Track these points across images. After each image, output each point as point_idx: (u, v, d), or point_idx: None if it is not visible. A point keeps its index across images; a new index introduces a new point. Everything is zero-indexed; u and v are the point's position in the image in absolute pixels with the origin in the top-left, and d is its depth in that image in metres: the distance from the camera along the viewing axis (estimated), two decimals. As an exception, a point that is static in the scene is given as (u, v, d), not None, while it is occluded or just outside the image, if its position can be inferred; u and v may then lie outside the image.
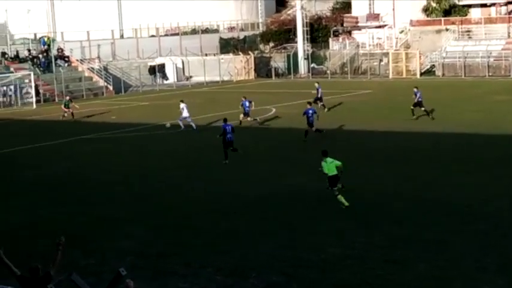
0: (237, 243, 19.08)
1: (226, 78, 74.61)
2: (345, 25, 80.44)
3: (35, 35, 71.06)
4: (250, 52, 78.74)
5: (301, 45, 76.00)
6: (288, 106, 49.49)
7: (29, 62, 65.99)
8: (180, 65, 76.23)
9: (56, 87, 63.08)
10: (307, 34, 76.51)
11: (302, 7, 77.66)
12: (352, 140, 35.48)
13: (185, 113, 40.81)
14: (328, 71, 73.50)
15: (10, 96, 60.02)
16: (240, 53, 78.59)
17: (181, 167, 30.65)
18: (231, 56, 78.14)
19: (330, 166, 22.39)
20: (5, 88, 59.77)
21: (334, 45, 77.70)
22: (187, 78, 75.47)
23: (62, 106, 48.06)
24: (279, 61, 77.32)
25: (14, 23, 73.12)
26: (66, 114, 47.27)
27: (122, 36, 79.65)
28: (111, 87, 67.60)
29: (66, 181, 28.63)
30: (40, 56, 66.71)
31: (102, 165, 31.82)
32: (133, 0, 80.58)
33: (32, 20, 71.75)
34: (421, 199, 23.16)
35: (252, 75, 76.88)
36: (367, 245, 18.44)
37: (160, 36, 79.55)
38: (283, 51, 79.29)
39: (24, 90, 60.68)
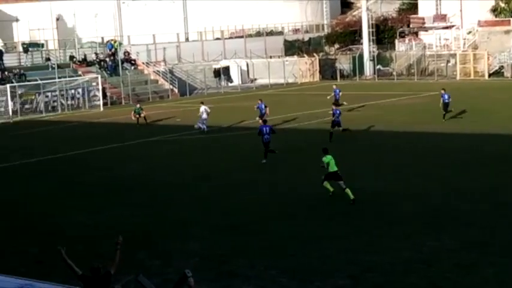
0: (302, 246, 18.92)
1: (290, 80, 74.45)
2: (411, 26, 79.56)
3: (102, 38, 72.00)
4: (315, 54, 78.43)
5: (366, 47, 75.42)
6: (352, 108, 49.06)
7: (97, 65, 66.88)
8: (244, 68, 76.32)
9: (123, 90, 63.78)
10: (372, 35, 75.88)
11: (368, 8, 77.06)
12: (421, 142, 35.01)
13: (204, 116, 41.57)
14: (394, 73, 72.76)
15: (78, 99, 60.88)
16: (305, 55, 78.33)
17: (246, 169, 30.60)
18: (295, 58, 77.94)
19: (331, 163, 23.80)
20: (73, 91, 60.65)
21: (400, 46, 76.87)
22: (252, 81, 75.53)
23: (132, 113, 47.51)
24: (344, 63, 76.87)
25: (82, 27, 74.16)
26: (138, 120, 46.57)
27: (187, 39, 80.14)
28: (176, 90, 68.04)
29: (133, 183, 28.84)
30: (107, 59, 67.57)
31: (168, 167, 31.98)
32: (199, 3, 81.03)
33: (99, 24, 72.70)
34: (490, 201, 22.69)
35: (317, 77, 76.55)
36: (435, 249, 18.11)
37: (225, 38, 79.79)
38: (348, 52, 78.80)
39: (91, 93, 61.50)
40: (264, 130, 31.70)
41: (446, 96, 41.49)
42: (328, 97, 49.03)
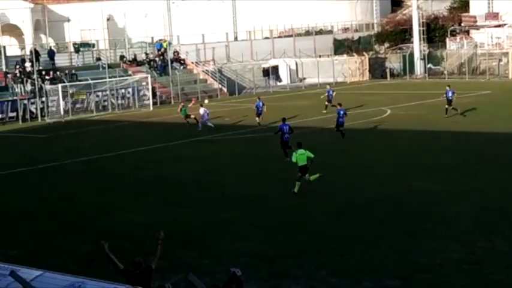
0: (352, 246, 18.82)
1: (340, 79, 74.16)
2: (462, 24, 78.73)
3: (152, 38, 72.54)
4: (364, 53, 78.05)
5: (417, 46, 74.78)
6: (403, 107, 48.72)
7: (146, 65, 67.39)
8: (293, 67, 76.26)
9: (172, 90, 64.18)
10: (423, 34, 75.21)
11: (418, 7, 76.42)
12: (469, 141, 34.62)
13: (205, 117, 43.01)
14: (446, 72, 72.02)
15: (128, 98, 61.41)
16: (354, 54, 77.98)
17: (293, 168, 30.48)
18: (345, 57, 77.63)
19: (300, 157, 25.36)
20: (123, 91, 61.21)
21: (451, 45, 76.11)
22: (301, 80, 75.44)
23: (183, 116, 46.75)
24: (394, 62, 76.34)
25: (132, 27, 74.83)
26: (192, 117, 46.15)
27: (236, 39, 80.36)
28: (225, 89, 68.25)
29: (182, 182, 28.98)
30: (157, 59, 68.06)
31: (217, 167, 32.07)
32: (248, 2, 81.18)
33: (149, 24, 73.28)
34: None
35: (367, 76, 76.14)
36: (487, 250, 17.87)
37: (274, 38, 79.82)
38: (398, 51, 78.25)
39: (141, 93, 61.99)
40: (284, 129, 32.30)
41: (450, 93, 43.12)
42: (322, 96, 50.01)
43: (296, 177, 25.35)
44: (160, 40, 71.01)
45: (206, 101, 50.87)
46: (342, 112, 37.04)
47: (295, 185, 25.16)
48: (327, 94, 48.80)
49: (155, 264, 12.65)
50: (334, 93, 49.33)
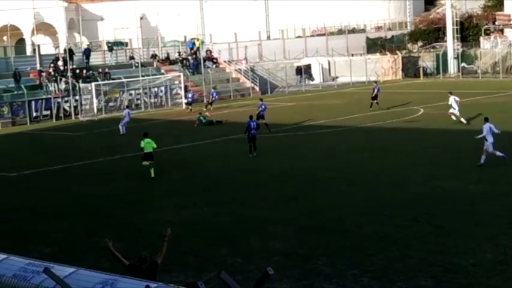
0: (385, 246, 18.73)
1: (372, 78, 73.79)
2: (496, 23, 77.99)
3: (185, 37, 72.79)
4: (397, 52, 77.65)
5: (450, 44, 74.27)
6: (436, 106, 48.40)
7: (179, 63, 67.63)
8: (326, 66, 76.11)
9: (205, 88, 64.34)
10: (457, 33, 74.69)
11: (452, 5, 75.89)
12: (504, 141, 34.26)
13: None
14: (479, 71, 71.43)
15: (161, 97, 61.72)
16: (387, 52, 77.61)
17: (326, 167, 30.47)
18: (377, 56, 77.30)
19: (147, 145, 30.12)
20: (156, 89, 61.51)
21: (485, 44, 75.44)
22: (333, 79, 75.26)
23: (204, 124, 47.07)
24: (427, 61, 75.88)
25: (165, 26, 75.15)
26: (208, 114, 46.75)
27: (268, 38, 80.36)
28: (257, 88, 68.28)
29: (216, 181, 29.03)
30: (189, 57, 68.28)
31: (250, 166, 32.10)
32: (281, 1, 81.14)
33: (182, 23, 73.53)
34: None
35: (400, 75, 75.74)
36: (522, 251, 17.70)
37: (307, 36, 79.70)
38: (431, 50, 77.75)
39: (174, 91, 62.24)
40: (252, 125, 34.13)
41: (376, 89, 48.47)
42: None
43: (141, 162, 30.22)
44: (192, 39, 71.22)
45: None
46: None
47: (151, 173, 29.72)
48: (259, 108, 44.06)
49: (161, 259, 12.91)
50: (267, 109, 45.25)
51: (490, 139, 28.52)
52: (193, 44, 69.73)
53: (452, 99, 41.06)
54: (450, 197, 23.72)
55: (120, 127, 44.91)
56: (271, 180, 28.52)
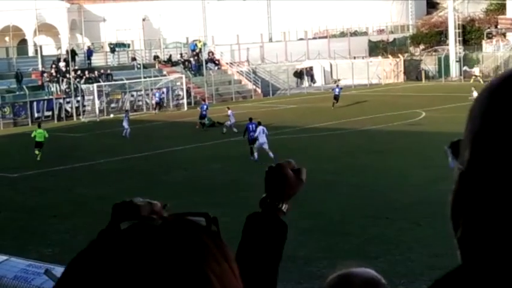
0: (386, 250, 18.68)
1: (374, 81, 73.86)
2: (499, 27, 77.92)
3: (187, 38, 72.79)
4: (399, 55, 77.61)
5: (452, 48, 74.25)
6: (438, 110, 48.37)
7: (181, 65, 67.63)
8: (328, 68, 76.07)
9: (206, 90, 64.33)
10: (459, 36, 74.67)
11: (454, 9, 75.88)
12: None
13: (232, 119, 43.63)
14: (481, 74, 71.37)
15: (163, 98, 61.72)
16: (389, 55, 77.59)
17: (332, 171, 30.43)
18: (380, 58, 77.27)
19: (39, 134, 36.24)
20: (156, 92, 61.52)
21: (487, 47, 75.42)
22: (335, 81, 75.21)
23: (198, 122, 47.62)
24: (429, 64, 75.84)
25: (167, 27, 75.17)
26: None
27: (270, 40, 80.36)
28: (259, 90, 68.28)
29: (217, 183, 28.99)
30: (191, 59, 68.28)
31: (251, 167, 32.04)
32: (283, 3, 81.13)
33: (184, 24, 73.53)
34: None
35: (402, 78, 75.71)
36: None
37: (309, 39, 79.67)
38: (434, 53, 77.73)
39: (175, 93, 62.23)
40: (251, 127, 34.38)
41: (337, 90, 53.81)
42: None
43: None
44: (194, 41, 71.24)
45: None
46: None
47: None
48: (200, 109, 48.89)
49: None
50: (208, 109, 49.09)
51: None
52: (195, 45, 69.74)
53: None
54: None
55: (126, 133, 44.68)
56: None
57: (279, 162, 2.42)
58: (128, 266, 1.22)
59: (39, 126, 38.11)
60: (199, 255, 1.25)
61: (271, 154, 32.77)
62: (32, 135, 36.93)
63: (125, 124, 44.57)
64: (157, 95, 58.17)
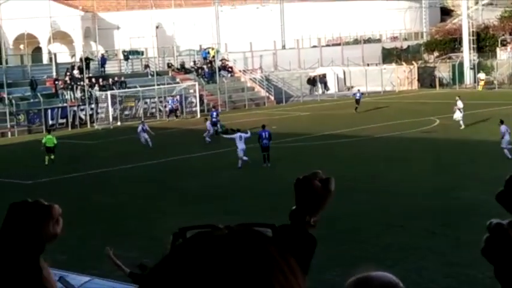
0: (401, 257, 18.60)
1: (388, 88, 73.69)
2: (513, 34, 77.73)
3: (200, 46, 72.90)
4: (413, 62, 77.44)
5: (467, 55, 74.03)
6: (452, 117, 48.17)
7: (194, 72, 67.72)
8: (341, 75, 75.98)
9: (219, 97, 64.38)
10: (473, 43, 74.45)
11: (468, 16, 75.68)
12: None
13: (210, 129, 44.27)
14: (496, 81, 71.11)
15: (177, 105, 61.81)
16: (403, 62, 77.42)
17: (346, 178, 30.29)
18: (393, 65, 77.11)
19: (49, 140, 37.76)
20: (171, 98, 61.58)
21: (501, 54, 75.15)
22: (349, 89, 75.07)
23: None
24: (443, 71, 75.61)
25: (181, 35, 75.25)
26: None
27: (283, 47, 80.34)
28: (272, 97, 68.27)
29: (229, 190, 28.98)
30: (204, 66, 68.36)
31: (263, 175, 32.02)
32: (296, 11, 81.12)
33: (197, 32, 73.64)
34: None
35: (415, 85, 75.52)
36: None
37: (322, 46, 79.63)
38: (448, 60, 77.50)
39: (189, 100, 62.30)
40: (263, 135, 34.27)
41: (358, 95, 56.52)
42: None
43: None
44: (207, 48, 71.35)
45: None
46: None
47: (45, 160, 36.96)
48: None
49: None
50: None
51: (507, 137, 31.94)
52: (207, 53, 69.84)
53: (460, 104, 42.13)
54: (467, 208, 23.54)
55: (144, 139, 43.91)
56: (286, 190, 28.30)
57: (306, 175, 2.38)
58: (198, 276, 1.26)
59: (49, 132, 40.71)
60: (266, 266, 1.25)
61: (245, 158, 33.98)
62: (43, 141, 38.44)
63: (144, 135, 43.54)
64: (170, 102, 58.17)
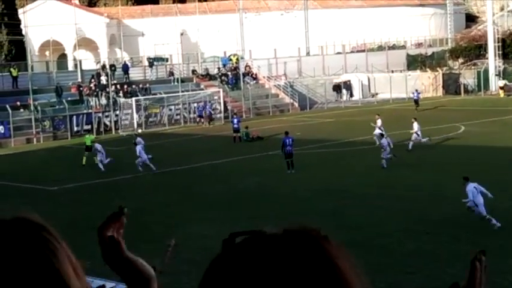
0: (424, 264, 18.52)
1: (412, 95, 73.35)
2: (539, 40, 77.17)
3: (225, 52, 73.10)
4: (438, 68, 77.10)
5: (492, 61, 73.59)
6: (477, 124, 47.93)
7: (218, 79, 67.88)
8: (365, 82, 75.82)
9: (244, 104, 64.47)
10: (498, 50, 74.01)
11: (494, 22, 75.24)
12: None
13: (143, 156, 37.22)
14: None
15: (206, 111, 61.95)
16: (428, 69, 77.11)
17: (370, 184, 30.28)
18: (418, 72, 76.81)
19: (87, 139, 41.07)
20: (195, 104, 61.74)
21: (527, 61, 74.69)
22: (373, 95, 74.92)
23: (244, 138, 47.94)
24: (468, 77, 75.16)
25: (205, 42, 75.52)
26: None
27: (308, 54, 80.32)
28: (296, 104, 68.25)
29: (253, 196, 29.01)
30: (229, 73, 68.52)
31: (288, 181, 32.01)
32: (320, 17, 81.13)
33: (222, 39, 73.85)
34: None
35: (440, 92, 75.16)
36: None
37: (346, 53, 79.53)
38: (473, 67, 77.07)
39: (213, 107, 62.43)
40: (287, 142, 34.33)
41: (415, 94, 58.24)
42: None
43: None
44: (229, 55, 71.58)
45: None
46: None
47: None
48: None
49: (160, 266, 12.78)
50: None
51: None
52: (230, 59, 70.04)
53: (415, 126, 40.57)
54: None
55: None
56: (310, 196, 28.39)
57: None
58: (258, 276, 1.36)
59: (88, 133, 47.56)
60: (328, 261, 1.32)
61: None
62: (85, 141, 41.97)
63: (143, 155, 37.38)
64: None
